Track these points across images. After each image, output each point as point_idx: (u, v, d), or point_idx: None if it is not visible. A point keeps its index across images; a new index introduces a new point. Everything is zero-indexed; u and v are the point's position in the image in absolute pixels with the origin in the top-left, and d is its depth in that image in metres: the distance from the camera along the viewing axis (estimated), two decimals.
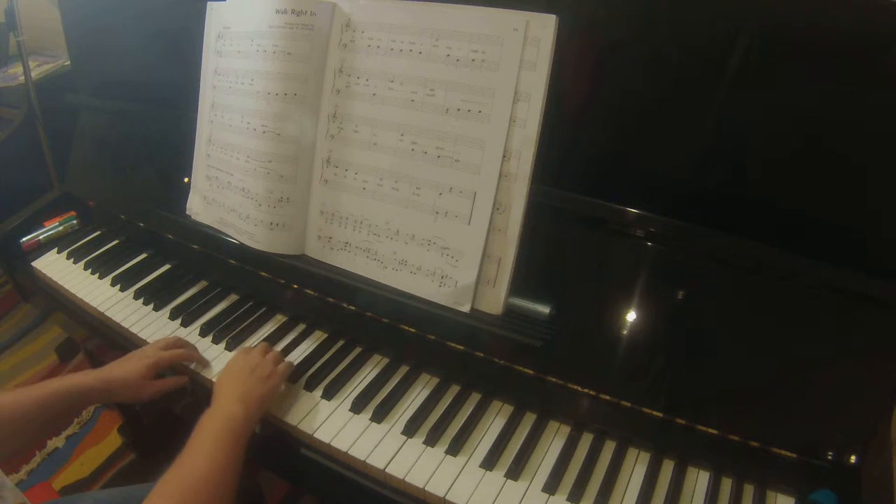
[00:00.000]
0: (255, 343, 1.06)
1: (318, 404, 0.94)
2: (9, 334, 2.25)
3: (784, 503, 0.80)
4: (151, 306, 1.16)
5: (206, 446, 0.77)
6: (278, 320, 1.12)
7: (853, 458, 0.76)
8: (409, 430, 0.89)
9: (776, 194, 0.81)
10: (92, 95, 1.45)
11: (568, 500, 0.80)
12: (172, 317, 1.14)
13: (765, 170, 0.81)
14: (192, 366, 1.03)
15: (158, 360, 0.97)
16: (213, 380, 0.98)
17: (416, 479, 0.82)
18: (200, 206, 1.17)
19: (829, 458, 0.77)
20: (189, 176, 1.18)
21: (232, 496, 0.76)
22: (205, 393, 0.98)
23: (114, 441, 1.82)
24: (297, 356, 1.03)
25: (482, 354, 0.93)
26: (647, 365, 0.84)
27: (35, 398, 0.88)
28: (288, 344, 1.06)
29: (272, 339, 1.07)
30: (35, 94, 1.58)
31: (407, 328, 0.99)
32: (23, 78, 1.67)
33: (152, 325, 1.12)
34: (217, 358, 1.04)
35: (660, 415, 0.84)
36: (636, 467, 0.85)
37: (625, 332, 0.85)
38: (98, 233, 1.40)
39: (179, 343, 1.03)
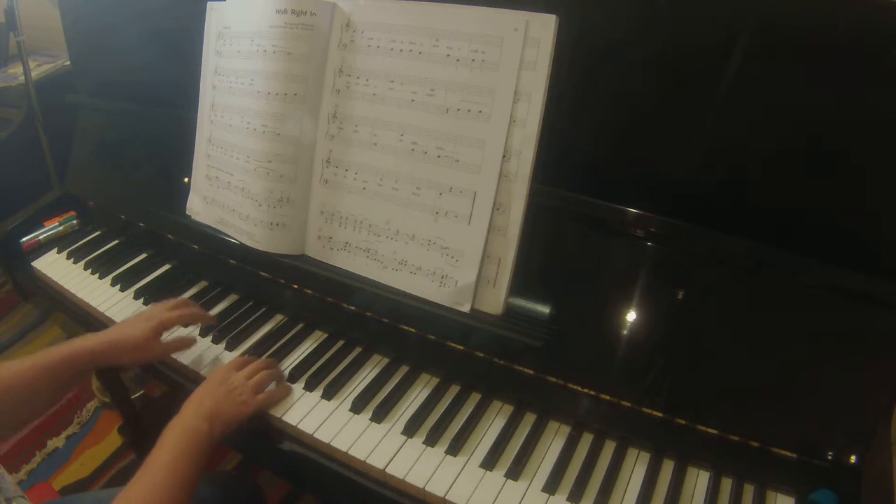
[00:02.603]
0: (256, 341, 1.06)
1: (318, 404, 0.94)
2: (9, 334, 2.25)
3: (784, 503, 0.80)
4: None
5: (167, 464, 0.76)
6: (278, 320, 1.12)
7: (853, 458, 0.76)
8: (409, 430, 0.89)
9: (776, 194, 0.81)
10: (92, 95, 1.45)
11: (568, 500, 0.80)
12: None
13: (765, 170, 0.81)
14: (189, 362, 1.03)
15: (164, 320, 0.97)
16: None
17: (416, 478, 0.82)
18: (200, 206, 1.17)
19: (829, 458, 0.77)
20: (189, 176, 1.18)
21: None
22: None
23: (114, 441, 1.82)
24: (297, 356, 1.03)
25: (482, 354, 0.93)
26: (647, 365, 0.84)
27: (39, 366, 0.87)
28: (288, 344, 1.06)
29: (272, 339, 1.07)
30: (35, 94, 1.58)
31: (407, 328, 0.99)
32: (23, 78, 1.67)
33: None
34: (218, 357, 1.04)
35: (660, 415, 0.84)
36: (636, 467, 0.85)
37: (625, 332, 0.85)
38: (98, 233, 1.40)
39: (184, 303, 1.03)
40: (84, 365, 0.93)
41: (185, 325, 1.06)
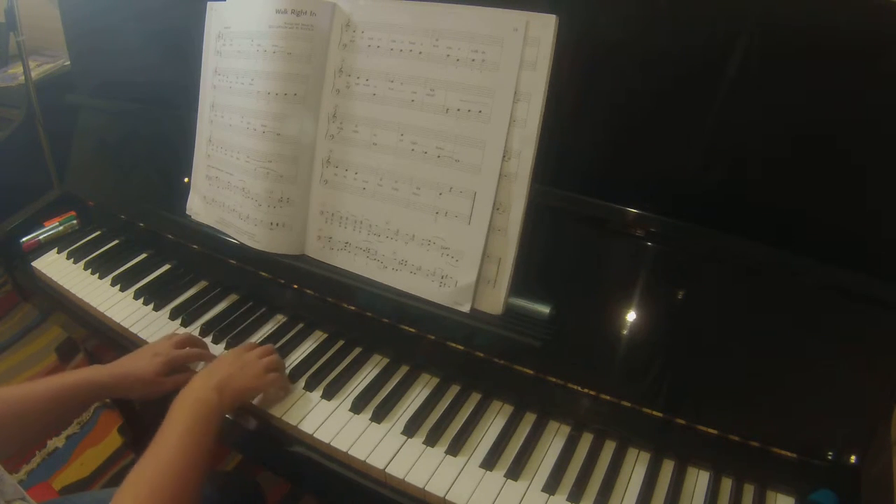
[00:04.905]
0: (257, 341, 1.06)
1: (317, 404, 0.94)
2: (9, 334, 2.25)
3: (784, 503, 0.80)
4: (151, 306, 1.16)
5: (176, 437, 0.75)
6: (278, 320, 1.12)
7: (853, 458, 0.76)
8: (409, 430, 0.89)
9: (776, 194, 0.81)
10: (92, 95, 1.45)
11: (568, 500, 0.80)
12: (172, 317, 1.14)
13: (765, 170, 0.81)
14: (199, 367, 1.03)
15: (173, 358, 0.97)
16: None
17: (416, 478, 0.82)
18: (200, 206, 1.17)
19: (829, 458, 0.77)
20: (189, 176, 1.18)
21: (201, 481, 0.75)
22: None
23: (114, 441, 1.82)
24: (297, 356, 1.03)
25: (482, 354, 0.93)
26: (647, 365, 0.84)
27: (46, 393, 0.87)
28: (288, 344, 1.06)
29: (272, 339, 1.06)
30: (35, 94, 1.58)
31: (407, 328, 0.99)
32: (23, 78, 1.67)
33: (152, 325, 1.12)
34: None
35: (660, 415, 0.84)
36: (636, 467, 0.85)
37: (625, 331, 0.85)
38: (98, 233, 1.40)
39: (192, 340, 1.03)
40: (93, 397, 0.93)
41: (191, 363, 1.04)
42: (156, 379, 0.94)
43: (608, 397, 0.86)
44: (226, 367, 0.89)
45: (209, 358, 1.03)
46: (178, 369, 1.00)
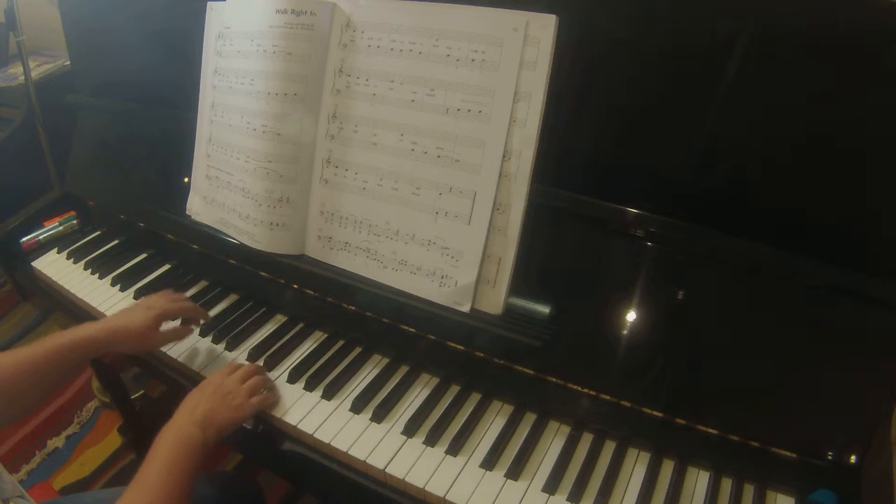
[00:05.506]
0: (256, 341, 1.06)
1: (317, 404, 0.94)
2: (9, 334, 2.25)
3: (784, 503, 0.80)
4: None
5: (161, 473, 0.76)
6: (278, 320, 1.12)
7: (853, 458, 0.76)
8: (409, 430, 0.89)
9: (776, 194, 0.81)
10: (92, 95, 1.45)
11: (568, 500, 0.80)
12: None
13: (765, 169, 0.81)
14: (189, 362, 1.03)
15: (166, 310, 0.99)
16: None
17: (416, 478, 0.82)
18: (200, 206, 1.17)
19: (829, 458, 0.77)
20: (189, 176, 1.18)
21: None
22: None
23: (114, 441, 1.82)
24: (297, 356, 1.03)
25: (482, 354, 0.93)
26: (647, 365, 0.84)
27: (39, 356, 0.87)
28: (288, 344, 1.06)
29: (272, 340, 1.07)
30: (35, 94, 1.58)
31: (407, 328, 0.99)
32: (23, 78, 1.67)
33: None
34: (218, 357, 1.04)
35: (660, 415, 0.84)
36: (636, 467, 0.85)
37: (625, 331, 0.85)
38: (98, 233, 1.40)
39: (183, 297, 1.06)
40: (85, 353, 0.93)
41: (183, 317, 1.07)
42: (147, 332, 0.95)
43: (608, 397, 0.86)
44: (208, 397, 0.87)
45: (200, 313, 1.06)
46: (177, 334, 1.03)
